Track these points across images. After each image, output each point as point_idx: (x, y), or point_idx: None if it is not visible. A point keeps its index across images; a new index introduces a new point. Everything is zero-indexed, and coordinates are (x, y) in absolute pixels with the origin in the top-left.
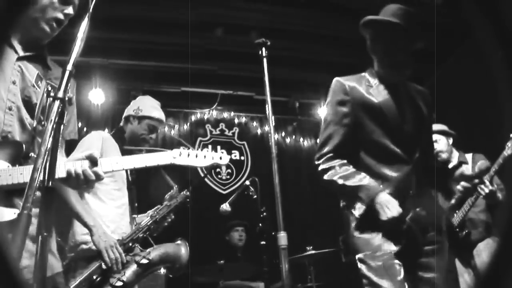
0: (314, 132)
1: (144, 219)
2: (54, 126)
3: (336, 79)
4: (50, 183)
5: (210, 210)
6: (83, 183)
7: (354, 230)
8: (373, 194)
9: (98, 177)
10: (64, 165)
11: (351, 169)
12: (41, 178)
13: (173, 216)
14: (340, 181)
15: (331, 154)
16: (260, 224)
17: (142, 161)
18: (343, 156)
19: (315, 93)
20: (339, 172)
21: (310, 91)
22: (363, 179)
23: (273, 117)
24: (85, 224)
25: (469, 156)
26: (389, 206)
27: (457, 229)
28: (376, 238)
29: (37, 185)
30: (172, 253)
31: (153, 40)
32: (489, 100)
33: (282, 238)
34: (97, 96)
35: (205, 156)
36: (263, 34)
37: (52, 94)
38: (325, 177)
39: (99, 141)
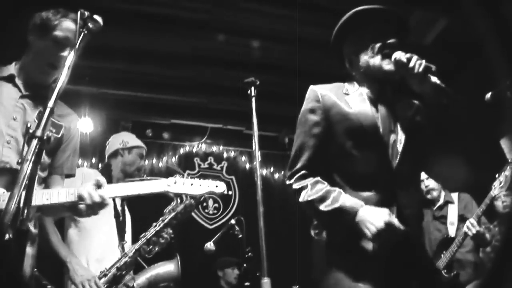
0: None
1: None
2: (30, 166)
3: (310, 86)
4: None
5: (196, 245)
6: (90, 207)
7: (325, 268)
8: (351, 216)
9: (103, 202)
10: (70, 190)
11: (324, 187)
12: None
13: (170, 231)
14: (315, 206)
15: (302, 172)
16: (245, 265)
17: (135, 189)
18: (315, 172)
19: None
20: (311, 194)
21: None
22: (337, 198)
23: (259, 161)
24: (59, 260)
25: (455, 196)
26: (372, 221)
27: (445, 270)
28: (346, 281)
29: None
30: (164, 273)
31: (145, 71)
32: (476, 140)
33: (266, 284)
34: (86, 125)
35: (200, 185)
36: (255, 69)
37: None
38: (300, 199)
39: (79, 179)
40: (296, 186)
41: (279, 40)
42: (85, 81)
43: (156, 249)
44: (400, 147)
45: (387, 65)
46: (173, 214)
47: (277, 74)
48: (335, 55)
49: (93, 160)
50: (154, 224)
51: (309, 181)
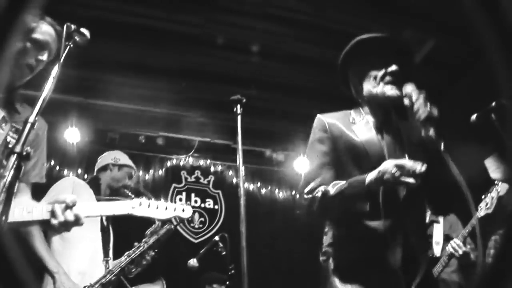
0: (290, 184)
1: (121, 263)
2: (8, 182)
3: (318, 116)
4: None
5: (181, 259)
6: (63, 225)
7: None
8: (361, 183)
9: (78, 221)
10: (46, 207)
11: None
12: None
13: (153, 253)
14: (327, 197)
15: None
16: (228, 282)
17: (97, 210)
18: None
19: (293, 145)
20: (323, 189)
21: (288, 142)
22: (342, 182)
23: (243, 178)
24: (47, 270)
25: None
26: (383, 167)
27: None
28: None
29: None
30: None
31: (134, 83)
32: (462, 161)
33: None
34: (73, 135)
35: (166, 208)
36: (246, 85)
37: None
38: (317, 204)
39: (70, 187)
40: (309, 197)
41: (272, 56)
42: (74, 91)
43: (138, 270)
44: None
45: (390, 91)
46: (155, 237)
47: (267, 90)
48: (342, 83)
49: (79, 171)
50: (138, 245)
51: (320, 189)
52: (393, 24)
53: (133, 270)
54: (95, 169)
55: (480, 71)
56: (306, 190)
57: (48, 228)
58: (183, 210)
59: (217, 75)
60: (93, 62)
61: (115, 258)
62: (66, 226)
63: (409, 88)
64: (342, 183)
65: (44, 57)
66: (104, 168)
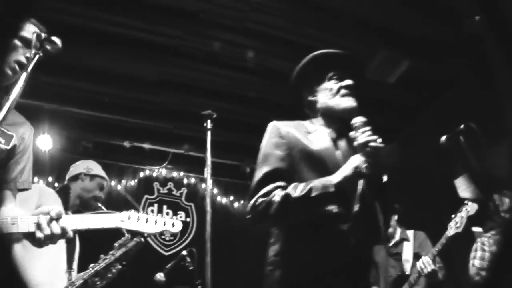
0: None
1: (84, 275)
2: None
3: (272, 122)
4: None
5: (149, 271)
6: (49, 238)
7: None
8: (328, 185)
9: (64, 234)
10: (31, 218)
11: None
12: None
13: (119, 267)
14: (289, 200)
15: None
16: None
17: (85, 223)
18: None
19: None
20: (282, 192)
21: None
22: (306, 184)
23: (209, 200)
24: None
25: (410, 233)
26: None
27: None
28: None
29: None
30: None
31: (110, 92)
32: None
33: None
34: (45, 142)
35: (156, 222)
36: (221, 98)
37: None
38: (276, 207)
39: (36, 195)
40: (264, 201)
41: (248, 71)
42: (48, 97)
43: (103, 283)
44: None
45: (347, 102)
46: (123, 250)
47: (242, 104)
48: (295, 98)
49: (50, 179)
50: (104, 257)
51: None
52: (369, 43)
53: (98, 283)
54: (66, 178)
55: (452, 94)
56: (261, 193)
57: (33, 241)
58: (173, 225)
59: (194, 87)
60: (69, 69)
61: (80, 270)
62: (52, 239)
63: (357, 119)
64: (303, 185)
65: (29, 56)
66: (76, 177)
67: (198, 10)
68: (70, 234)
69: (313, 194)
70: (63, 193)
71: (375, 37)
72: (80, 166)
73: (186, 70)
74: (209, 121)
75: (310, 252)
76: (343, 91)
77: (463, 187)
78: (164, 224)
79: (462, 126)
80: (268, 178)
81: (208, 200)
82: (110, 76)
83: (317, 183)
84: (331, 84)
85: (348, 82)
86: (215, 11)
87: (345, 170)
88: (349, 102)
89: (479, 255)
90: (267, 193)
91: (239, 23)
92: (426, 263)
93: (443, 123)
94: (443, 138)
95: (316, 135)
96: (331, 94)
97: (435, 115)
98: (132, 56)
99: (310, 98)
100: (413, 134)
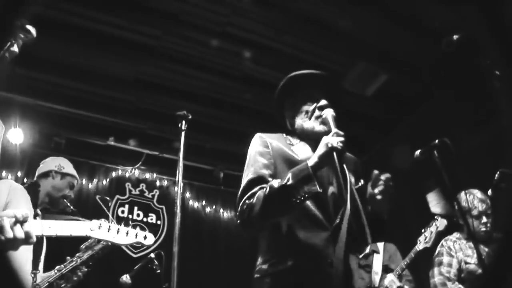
0: (235, 204)
1: (49, 277)
2: None
3: (257, 134)
4: None
5: (116, 273)
6: (10, 241)
7: None
8: (304, 167)
9: (28, 239)
10: None
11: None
12: None
13: (85, 269)
14: (270, 192)
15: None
16: None
17: (53, 229)
18: None
19: (240, 165)
20: (261, 191)
21: (236, 162)
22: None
23: (179, 202)
24: None
25: (380, 245)
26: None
27: None
28: None
29: None
30: None
31: (85, 89)
32: (406, 190)
33: None
34: (16, 135)
35: (127, 233)
36: (197, 101)
37: None
38: (260, 202)
39: (5, 191)
40: (249, 202)
41: (225, 75)
42: (22, 90)
43: (68, 286)
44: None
45: (319, 126)
46: (90, 253)
47: (218, 108)
48: (279, 117)
49: (19, 174)
50: (70, 259)
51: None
52: (348, 54)
53: (63, 285)
54: (36, 174)
55: (428, 109)
56: (246, 196)
57: None
58: (145, 238)
59: (170, 88)
60: (44, 63)
61: (45, 271)
62: (13, 243)
63: (326, 111)
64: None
65: (14, 47)
66: (46, 174)
67: (178, 11)
68: (33, 240)
69: (293, 179)
70: (32, 190)
71: (354, 49)
72: (51, 163)
73: (162, 71)
74: (183, 122)
75: (294, 262)
76: (317, 113)
77: (434, 202)
78: (136, 236)
79: (436, 141)
80: (253, 183)
81: (178, 202)
82: (86, 72)
83: (294, 169)
84: (307, 107)
85: (322, 103)
86: (195, 13)
87: (318, 151)
88: (320, 127)
89: (447, 261)
90: (252, 195)
91: (218, 27)
92: (391, 282)
93: (417, 137)
94: (417, 152)
95: (299, 147)
96: (306, 117)
97: (410, 129)
98: (108, 53)
99: (289, 120)
100: (387, 147)
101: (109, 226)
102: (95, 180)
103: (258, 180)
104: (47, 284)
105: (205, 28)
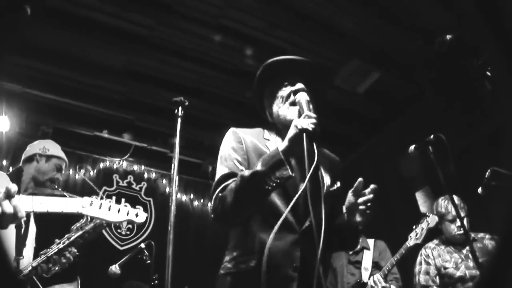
0: None
1: (33, 262)
2: None
3: (231, 128)
4: None
5: (102, 265)
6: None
7: None
8: (275, 153)
9: (16, 214)
10: None
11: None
12: None
13: (75, 250)
14: (240, 183)
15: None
16: None
17: (43, 206)
18: None
19: None
20: (234, 182)
21: None
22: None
23: (177, 178)
24: None
25: (371, 242)
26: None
27: None
28: None
29: None
30: None
31: (74, 78)
32: (395, 189)
33: None
34: (2, 123)
35: (119, 210)
36: (188, 93)
37: None
38: (232, 193)
39: None
40: (221, 195)
41: (217, 68)
42: (7, 77)
43: (56, 268)
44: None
45: (292, 114)
46: (80, 232)
47: (209, 101)
48: (259, 109)
49: (4, 162)
50: (58, 241)
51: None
52: (342, 51)
53: (52, 269)
54: (21, 159)
55: (419, 109)
56: (218, 189)
57: None
58: (137, 215)
59: (161, 80)
60: (34, 50)
61: (35, 257)
62: (2, 220)
63: (299, 95)
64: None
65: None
66: (31, 158)
67: (173, 2)
68: (22, 214)
69: (263, 166)
70: (16, 176)
71: (348, 46)
72: (35, 146)
73: (154, 61)
74: (180, 108)
75: (254, 264)
76: (291, 98)
77: (421, 201)
78: (128, 214)
79: (431, 136)
80: (226, 178)
81: (174, 184)
82: (76, 60)
83: (265, 156)
84: (282, 92)
85: (298, 86)
86: (190, 4)
87: (288, 133)
88: (294, 114)
89: (424, 269)
90: (224, 187)
91: (213, 19)
92: (377, 281)
93: (407, 137)
94: (412, 147)
95: (273, 143)
96: (281, 102)
97: (400, 128)
98: (100, 41)
99: (268, 109)
100: (376, 146)
101: (101, 203)
102: (82, 171)
103: (231, 174)
104: (30, 268)
105: (199, 19)
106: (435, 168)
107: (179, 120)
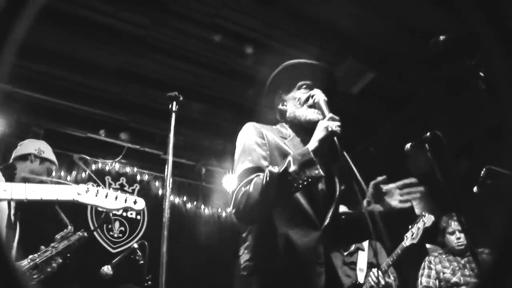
0: (216, 200)
1: (22, 263)
2: None
3: (250, 123)
4: None
5: (94, 268)
6: None
7: None
8: (306, 152)
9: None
10: None
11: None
12: None
13: (60, 260)
14: (270, 179)
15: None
16: None
17: (37, 193)
18: None
19: (222, 161)
20: (267, 171)
21: (218, 159)
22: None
23: (170, 179)
24: None
25: (365, 243)
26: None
27: None
28: None
29: None
30: None
31: (67, 77)
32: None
33: None
34: None
35: (116, 197)
36: (182, 94)
37: None
38: (259, 188)
39: None
40: (245, 189)
41: (212, 68)
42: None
43: (41, 277)
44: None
45: (312, 115)
46: (66, 243)
47: (203, 102)
48: (268, 105)
49: None
50: (45, 249)
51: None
52: (336, 51)
53: (35, 276)
54: (13, 156)
55: (413, 109)
56: (244, 181)
57: None
58: (135, 202)
59: (155, 80)
60: (25, 48)
61: (18, 260)
62: None
63: (317, 95)
64: (281, 164)
65: None
66: (24, 157)
67: (168, 1)
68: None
69: (294, 165)
70: (7, 172)
71: (343, 46)
72: (30, 146)
73: (148, 61)
74: (174, 103)
75: (283, 260)
76: (310, 102)
77: (415, 203)
78: (125, 201)
79: (428, 134)
80: (250, 172)
81: (168, 184)
82: (68, 59)
83: (294, 154)
84: (300, 94)
85: (317, 91)
86: (185, 3)
87: (317, 135)
88: (314, 115)
89: (426, 272)
90: (249, 182)
91: (208, 18)
92: (379, 277)
93: (401, 137)
94: (408, 145)
95: (291, 141)
96: (299, 104)
97: (396, 128)
98: (94, 40)
99: (280, 106)
100: (370, 147)
101: (97, 190)
102: (74, 173)
103: (256, 169)
104: None
105: (194, 19)
106: (433, 165)
107: (173, 115)
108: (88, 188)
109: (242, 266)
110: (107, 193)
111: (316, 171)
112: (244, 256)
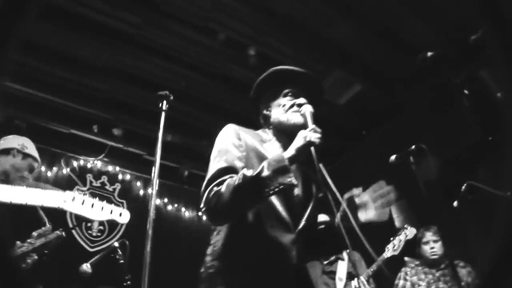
0: (197, 204)
1: None
2: None
3: (230, 124)
4: None
5: (70, 267)
6: None
7: None
8: (281, 158)
9: None
10: None
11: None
12: None
13: (36, 257)
14: (246, 175)
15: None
16: None
17: (22, 197)
18: None
19: (206, 165)
20: (239, 175)
21: (201, 162)
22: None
23: (157, 180)
24: None
25: (345, 253)
26: (300, 135)
27: None
28: None
29: None
30: None
31: (53, 72)
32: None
33: None
34: None
35: (102, 208)
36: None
37: None
38: (226, 195)
39: None
40: (216, 190)
41: (201, 71)
42: None
43: None
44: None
45: (296, 118)
46: (44, 241)
47: (190, 104)
48: (253, 110)
49: None
50: (20, 244)
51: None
52: (326, 60)
53: None
54: None
55: (398, 122)
56: (215, 183)
57: None
58: (120, 215)
59: (143, 80)
60: (14, 41)
61: None
62: None
63: (305, 107)
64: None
65: None
66: (7, 151)
67: (161, 2)
68: None
69: (268, 170)
70: None
71: (331, 56)
72: (13, 141)
73: (137, 61)
74: (164, 102)
75: (253, 263)
76: (294, 108)
77: (395, 216)
78: (111, 213)
79: (413, 146)
80: (223, 172)
81: (154, 182)
82: (55, 54)
83: (270, 160)
84: (285, 101)
85: (301, 101)
86: (177, 5)
87: (295, 143)
88: (298, 119)
89: (401, 284)
90: (221, 182)
91: (200, 21)
92: (362, 284)
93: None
94: (393, 157)
95: (270, 145)
96: (283, 110)
97: (380, 141)
98: (82, 36)
99: (265, 112)
100: (353, 158)
101: (83, 200)
102: (55, 169)
103: (229, 170)
104: None
105: (186, 21)
106: (416, 178)
107: (163, 114)
108: (74, 197)
109: (208, 264)
110: (93, 203)
111: (289, 179)
112: (211, 254)
